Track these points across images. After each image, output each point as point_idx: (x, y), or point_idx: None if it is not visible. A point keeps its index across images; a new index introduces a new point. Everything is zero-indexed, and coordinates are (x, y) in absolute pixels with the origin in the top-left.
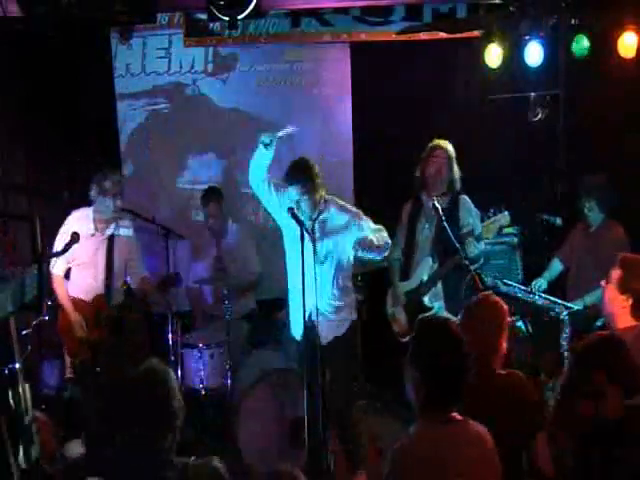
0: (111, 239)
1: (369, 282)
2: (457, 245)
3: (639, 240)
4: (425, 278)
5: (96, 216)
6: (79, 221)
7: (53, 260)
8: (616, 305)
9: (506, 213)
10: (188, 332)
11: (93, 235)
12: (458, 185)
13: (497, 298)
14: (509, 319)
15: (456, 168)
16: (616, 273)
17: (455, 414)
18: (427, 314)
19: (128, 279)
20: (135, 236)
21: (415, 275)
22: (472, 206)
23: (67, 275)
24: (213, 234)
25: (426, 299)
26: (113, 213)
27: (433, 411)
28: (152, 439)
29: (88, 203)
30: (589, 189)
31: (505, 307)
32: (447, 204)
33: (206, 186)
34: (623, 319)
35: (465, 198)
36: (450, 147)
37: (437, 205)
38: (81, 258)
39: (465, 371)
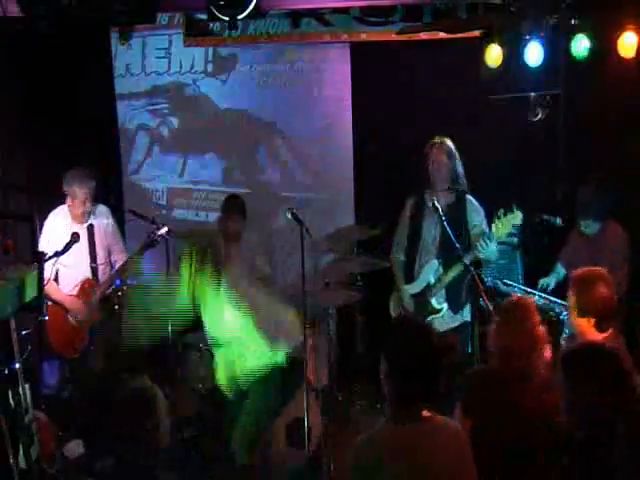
0: (90, 228)
1: (369, 282)
2: (457, 245)
3: (639, 240)
4: (432, 281)
5: (71, 210)
6: (56, 219)
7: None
8: (581, 327)
9: (518, 212)
10: (188, 332)
11: (70, 231)
12: (463, 181)
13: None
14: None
15: (459, 163)
16: (571, 299)
17: (425, 412)
18: (435, 316)
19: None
20: (114, 225)
21: (421, 277)
22: (478, 205)
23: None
24: (225, 240)
25: (434, 301)
26: (86, 208)
27: (401, 408)
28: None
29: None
30: (584, 209)
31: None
32: (452, 202)
33: (205, 186)
34: (590, 335)
35: (471, 198)
36: (450, 142)
37: (437, 205)
38: (66, 254)
39: (435, 371)
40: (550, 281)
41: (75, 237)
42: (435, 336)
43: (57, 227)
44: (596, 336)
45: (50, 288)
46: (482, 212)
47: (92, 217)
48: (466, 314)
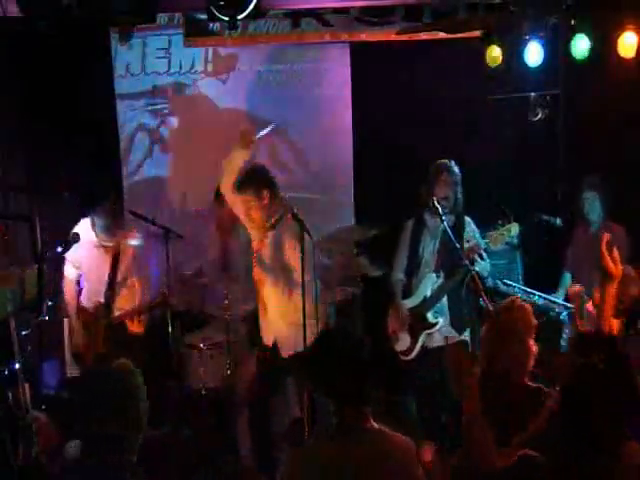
0: (117, 252)
1: (368, 282)
2: (457, 245)
3: (639, 240)
4: (429, 294)
5: (99, 232)
6: (88, 229)
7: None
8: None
9: (515, 224)
10: (188, 332)
11: (97, 246)
12: (461, 204)
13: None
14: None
15: (460, 189)
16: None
17: (371, 424)
18: (430, 331)
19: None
20: (141, 255)
21: (418, 292)
22: (475, 228)
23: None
24: (221, 233)
25: (429, 315)
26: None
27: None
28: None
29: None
30: (591, 183)
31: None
32: (452, 223)
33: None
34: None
35: (469, 221)
36: (457, 169)
37: (437, 205)
38: (86, 266)
39: (364, 374)
40: (560, 296)
41: (75, 237)
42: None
43: (81, 243)
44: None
45: (68, 290)
46: (477, 232)
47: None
48: (467, 333)
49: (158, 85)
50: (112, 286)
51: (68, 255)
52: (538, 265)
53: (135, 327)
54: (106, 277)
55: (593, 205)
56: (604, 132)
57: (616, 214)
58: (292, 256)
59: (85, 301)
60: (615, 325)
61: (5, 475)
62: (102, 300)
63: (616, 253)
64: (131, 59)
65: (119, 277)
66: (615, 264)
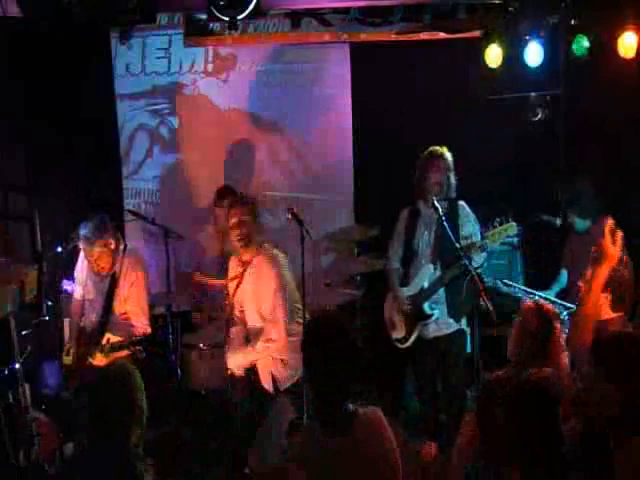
0: (113, 279)
1: (368, 282)
2: (457, 244)
3: (639, 240)
4: (425, 285)
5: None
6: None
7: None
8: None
9: (513, 224)
10: (188, 332)
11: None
12: (454, 191)
13: None
14: None
15: (453, 175)
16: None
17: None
18: (426, 322)
19: None
20: (142, 284)
21: (415, 282)
22: (470, 212)
23: None
24: (220, 233)
25: (425, 306)
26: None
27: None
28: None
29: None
30: (569, 203)
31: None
32: (445, 209)
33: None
34: (604, 312)
35: (463, 205)
36: (449, 155)
37: (437, 204)
38: (87, 288)
39: (353, 363)
40: (551, 293)
41: (75, 237)
42: (351, 332)
43: (80, 263)
44: (608, 314)
45: (73, 307)
46: (472, 218)
47: (116, 266)
48: (464, 322)
49: (158, 85)
50: (106, 313)
51: (76, 273)
52: (538, 265)
53: (97, 360)
54: (101, 302)
55: (574, 221)
56: (604, 132)
57: (616, 214)
58: None
59: (85, 320)
60: (602, 304)
61: (5, 475)
62: (95, 326)
63: (619, 236)
64: (131, 59)
65: (115, 304)
66: (615, 247)
